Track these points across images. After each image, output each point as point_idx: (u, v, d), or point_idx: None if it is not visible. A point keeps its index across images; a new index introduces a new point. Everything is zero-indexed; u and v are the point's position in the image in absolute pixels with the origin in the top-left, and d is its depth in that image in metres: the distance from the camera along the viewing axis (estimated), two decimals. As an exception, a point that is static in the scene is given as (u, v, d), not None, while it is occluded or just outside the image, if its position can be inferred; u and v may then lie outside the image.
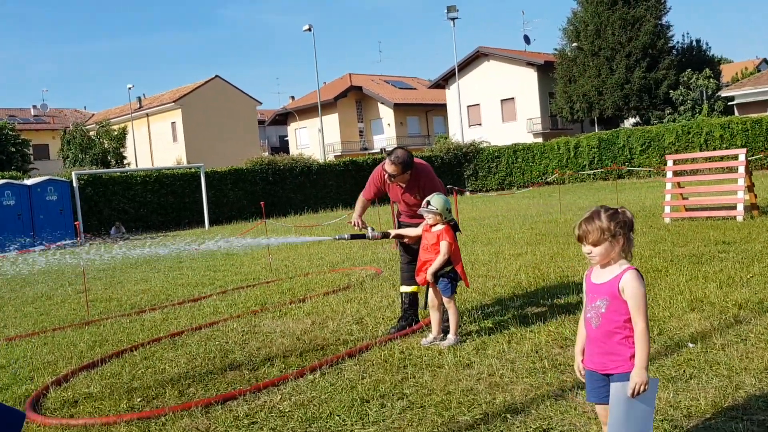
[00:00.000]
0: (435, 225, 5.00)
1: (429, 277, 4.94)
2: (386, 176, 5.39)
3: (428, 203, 4.96)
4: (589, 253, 2.67)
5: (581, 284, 6.52)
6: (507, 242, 10.38)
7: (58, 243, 11.27)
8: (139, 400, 4.33)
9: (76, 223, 7.81)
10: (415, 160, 5.45)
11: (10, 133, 34.92)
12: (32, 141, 42.26)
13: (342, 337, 5.46)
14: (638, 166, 28.67)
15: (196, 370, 4.90)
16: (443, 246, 4.90)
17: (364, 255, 10.65)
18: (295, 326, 5.95)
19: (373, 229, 5.55)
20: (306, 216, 24.90)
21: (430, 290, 5.09)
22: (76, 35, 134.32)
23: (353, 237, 5.67)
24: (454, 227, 5.07)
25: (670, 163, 11.96)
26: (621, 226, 2.62)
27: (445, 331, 5.06)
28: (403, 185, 5.48)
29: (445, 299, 5.00)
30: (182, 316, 6.97)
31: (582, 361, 2.76)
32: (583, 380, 2.79)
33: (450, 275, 4.96)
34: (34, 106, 56.01)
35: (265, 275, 9.41)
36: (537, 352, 4.51)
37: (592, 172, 29.33)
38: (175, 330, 6.25)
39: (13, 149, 34.89)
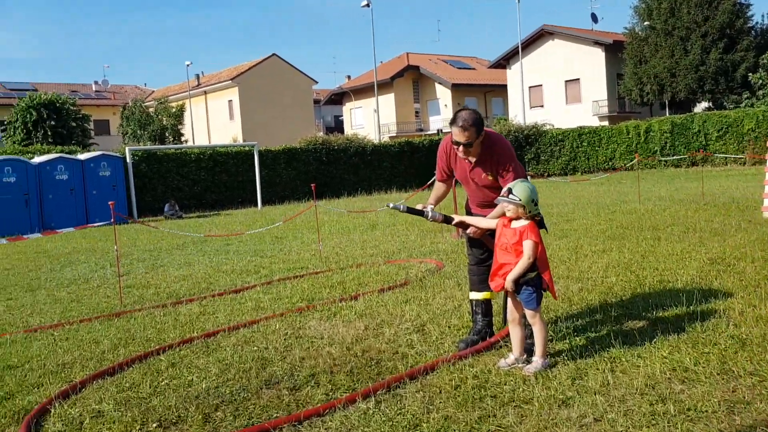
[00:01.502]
0: (516, 219, 4.02)
1: (509, 285, 3.96)
2: (458, 149, 4.31)
3: (510, 191, 3.95)
4: None
5: (692, 293, 5.53)
6: (585, 236, 9.26)
7: (94, 224, 10.72)
8: (155, 425, 3.54)
9: (110, 203, 7.10)
10: (486, 129, 4.41)
11: (72, 108, 35.19)
12: (93, 116, 42.70)
13: (400, 349, 4.56)
14: (714, 153, 26.80)
15: (228, 384, 4.09)
16: (527, 247, 3.90)
17: (422, 245, 9.72)
18: (346, 331, 5.09)
19: (432, 208, 4.49)
20: (359, 198, 24.11)
21: (509, 301, 4.14)
22: (139, 13, 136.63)
23: (409, 210, 4.50)
24: (539, 223, 4.08)
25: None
26: None
27: (528, 350, 4.11)
28: (473, 160, 4.40)
29: (528, 313, 4.02)
30: (221, 310, 6.21)
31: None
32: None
33: (535, 282, 3.99)
34: (96, 82, 56.78)
35: (314, 264, 8.60)
36: (653, 388, 3.52)
37: (675, 158, 27.46)
38: (211, 328, 5.48)
39: (74, 124, 35.16)
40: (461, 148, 4.28)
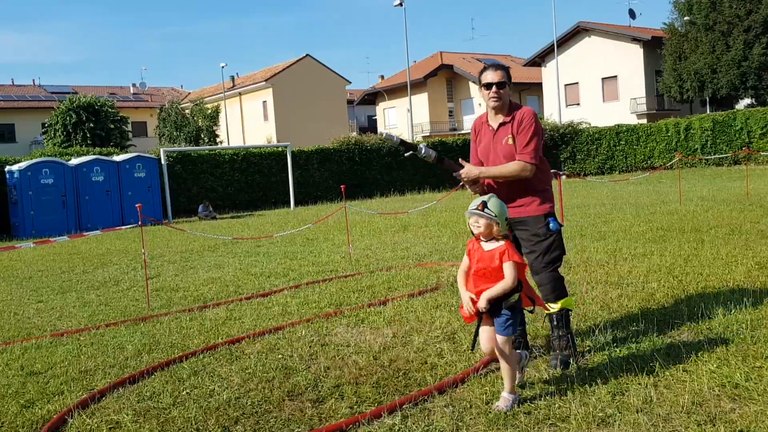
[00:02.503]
0: (488, 239, 3.53)
1: (482, 305, 3.41)
2: (491, 95, 4.14)
3: (485, 205, 3.49)
4: None
5: (740, 300, 5.21)
6: (624, 238, 8.93)
7: (121, 227, 10.75)
8: (172, 438, 3.42)
9: (137, 206, 7.06)
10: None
11: (110, 110, 35.82)
12: (131, 118, 43.41)
13: (429, 359, 4.37)
14: (758, 151, 25.96)
15: (250, 395, 3.96)
16: (509, 268, 3.42)
17: (455, 247, 9.50)
18: (373, 339, 4.91)
19: (426, 146, 4.31)
20: (392, 198, 23.94)
21: (486, 329, 3.53)
22: (176, 16, 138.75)
23: (403, 143, 4.38)
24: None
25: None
26: None
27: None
28: (495, 124, 4.23)
29: (500, 339, 3.46)
30: (247, 315, 6.10)
31: None
32: None
33: (516, 307, 3.50)
34: (134, 85, 57.75)
35: (344, 267, 8.45)
36: (701, 406, 3.26)
37: (717, 156, 26.66)
38: (236, 334, 5.37)
39: (112, 126, 35.76)
40: (494, 89, 4.14)
